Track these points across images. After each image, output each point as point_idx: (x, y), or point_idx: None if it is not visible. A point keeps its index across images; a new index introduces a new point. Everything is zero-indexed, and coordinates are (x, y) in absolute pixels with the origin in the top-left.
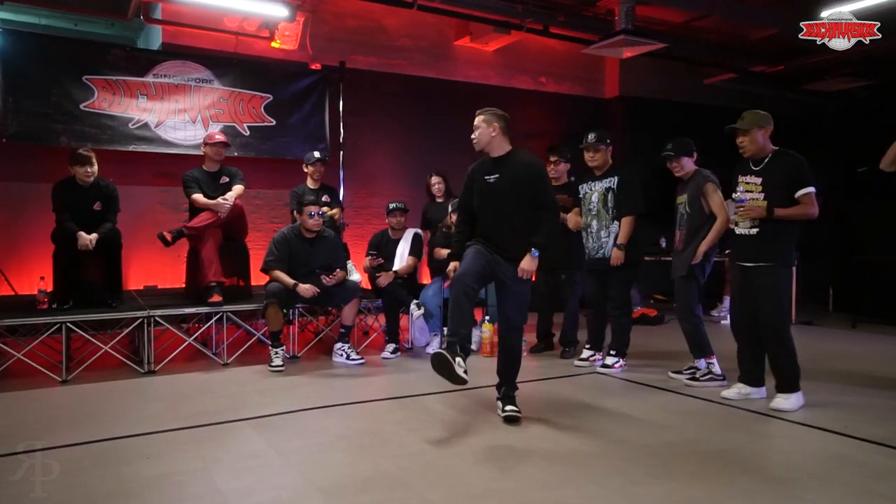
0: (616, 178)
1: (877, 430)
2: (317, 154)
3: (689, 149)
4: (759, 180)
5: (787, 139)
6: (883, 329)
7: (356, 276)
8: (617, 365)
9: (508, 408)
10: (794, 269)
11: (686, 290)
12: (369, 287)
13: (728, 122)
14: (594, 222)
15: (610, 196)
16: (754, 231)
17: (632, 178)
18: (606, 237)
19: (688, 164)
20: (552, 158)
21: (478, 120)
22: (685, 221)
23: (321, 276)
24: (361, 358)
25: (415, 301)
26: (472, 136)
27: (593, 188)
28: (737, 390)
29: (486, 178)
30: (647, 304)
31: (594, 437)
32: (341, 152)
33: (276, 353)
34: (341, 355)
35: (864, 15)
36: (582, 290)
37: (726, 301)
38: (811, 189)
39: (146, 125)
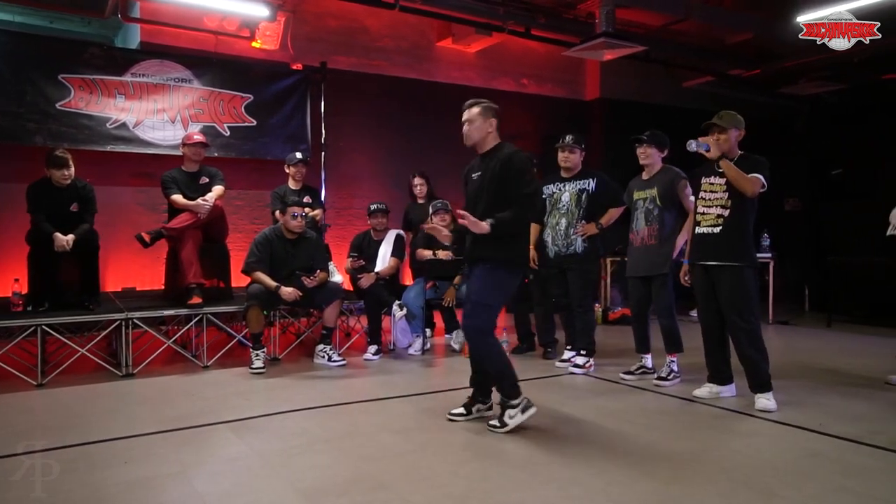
0: (592, 179)
1: (850, 428)
2: (298, 155)
3: (663, 142)
4: (723, 181)
5: (763, 141)
6: (856, 328)
7: (338, 277)
8: (588, 364)
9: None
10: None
11: (667, 287)
12: (351, 288)
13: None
14: (563, 220)
15: (584, 197)
16: (717, 230)
17: (609, 178)
18: (575, 235)
19: (656, 157)
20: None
21: (472, 112)
22: (656, 217)
23: (303, 277)
24: (343, 359)
25: (397, 302)
26: (464, 130)
27: (563, 189)
28: (707, 389)
29: (473, 176)
30: (627, 304)
31: (574, 437)
32: (323, 153)
33: (257, 355)
34: (323, 357)
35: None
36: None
37: None
38: (759, 176)
39: (124, 125)
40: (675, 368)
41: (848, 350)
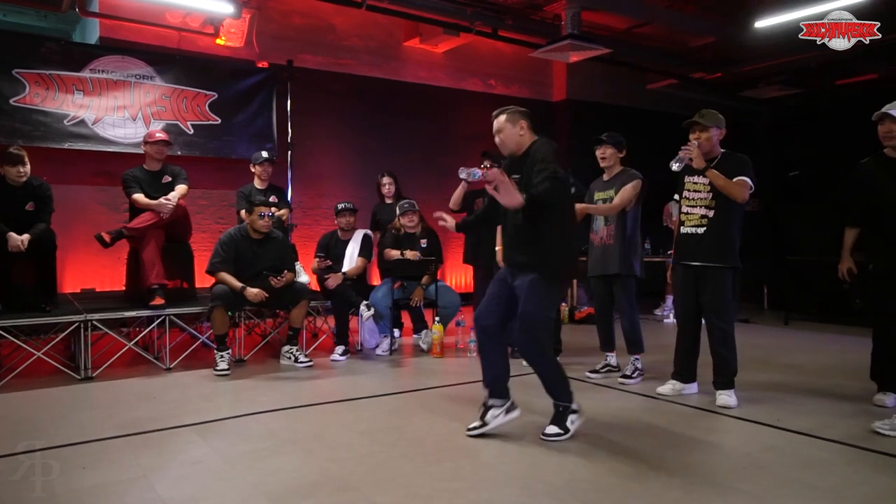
0: None
1: (805, 422)
2: (264, 154)
3: (620, 142)
4: (706, 180)
5: (725, 143)
6: (812, 325)
7: (304, 277)
8: None
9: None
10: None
11: (628, 288)
12: (318, 289)
13: (670, 126)
14: None
15: None
16: (701, 230)
17: (574, 178)
18: None
19: (615, 157)
20: (485, 163)
21: (500, 121)
22: (614, 217)
23: (269, 277)
24: (310, 360)
25: (364, 302)
26: (497, 141)
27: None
28: (671, 387)
29: (512, 177)
30: (593, 303)
31: (537, 432)
32: (289, 152)
33: (222, 356)
34: (289, 358)
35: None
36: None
37: (668, 300)
38: (746, 178)
39: (82, 122)
40: (640, 366)
41: (804, 347)
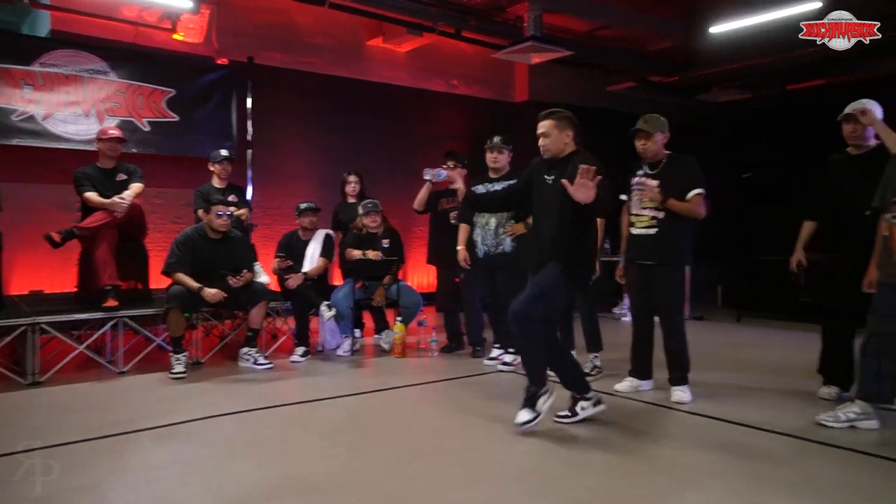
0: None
1: (757, 416)
2: (224, 152)
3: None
4: (654, 183)
5: (681, 145)
6: (764, 322)
7: (264, 278)
8: (516, 362)
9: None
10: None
11: (591, 290)
12: (278, 289)
13: (630, 127)
14: (492, 220)
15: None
16: (653, 231)
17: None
18: (504, 235)
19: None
20: (449, 164)
21: (547, 125)
22: None
23: (228, 277)
24: (269, 362)
25: (325, 303)
26: (541, 143)
27: (492, 189)
28: (629, 383)
29: (547, 178)
30: None
31: (503, 434)
32: (249, 151)
33: (178, 359)
34: (248, 360)
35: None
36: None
37: (626, 299)
38: (701, 191)
39: (32, 118)
40: (598, 364)
41: (755, 343)
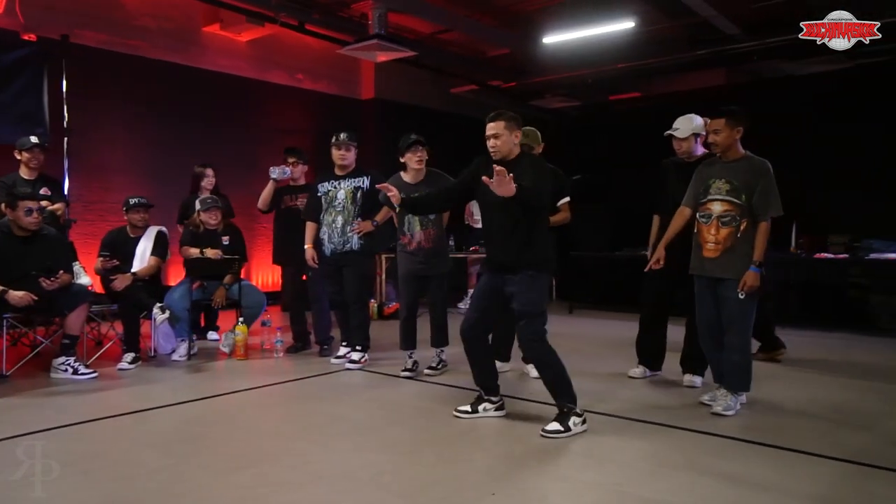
0: (367, 177)
1: (582, 399)
2: (34, 139)
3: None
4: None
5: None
6: (592, 312)
7: (85, 279)
8: (363, 360)
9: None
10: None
11: (444, 287)
12: (102, 291)
13: (471, 129)
14: (339, 218)
15: (360, 195)
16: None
17: (384, 176)
18: (351, 233)
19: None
20: (290, 160)
21: (497, 127)
22: (433, 221)
23: (41, 279)
24: (93, 371)
25: (158, 304)
26: (491, 145)
27: (339, 186)
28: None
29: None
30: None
31: (347, 432)
32: (66, 139)
33: None
34: (66, 370)
35: (573, 45)
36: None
37: (470, 293)
38: (566, 198)
39: None
40: (444, 358)
41: (585, 332)
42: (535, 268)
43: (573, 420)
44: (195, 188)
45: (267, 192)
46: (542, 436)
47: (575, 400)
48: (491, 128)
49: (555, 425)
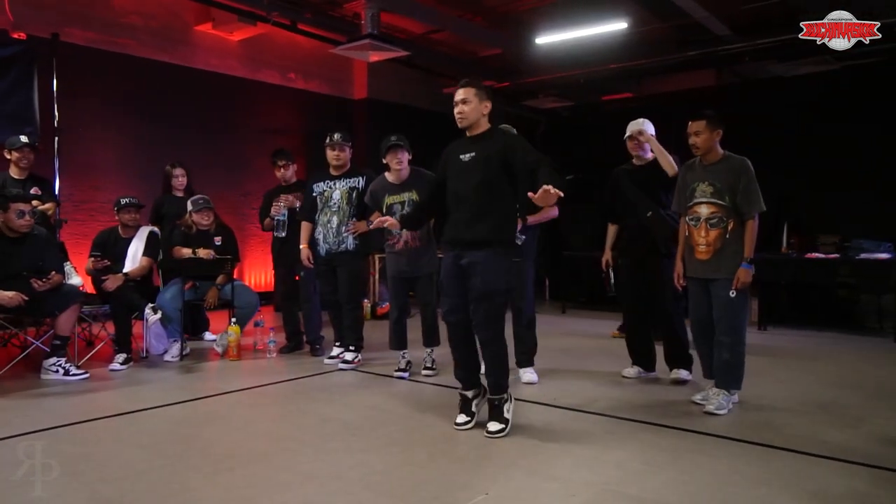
0: (362, 178)
1: (574, 399)
2: (24, 138)
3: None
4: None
5: None
6: (584, 312)
7: (76, 279)
8: (356, 360)
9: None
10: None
11: (433, 286)
12: (94, 291)
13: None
14: (334, 218)
15: (355, 195)
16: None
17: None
18: (346, 233)
19: (407, 160)
20: (280, 162)
21: (467, 93)
22: None
23: (32, 279)
24: (84, 372)
25: (150, 305)
26: (458, 111)
27: (334, 187)
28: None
29: (463, 157)
30: None
31: (339, 433)
32: (56, 138)
33: None
34: (56, 371)
35: (566, 46)
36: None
37: None
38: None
39: None
40: (434, 357)
41: (577, 331)
42: (497, 245)
43: (506, 408)
44: (167, 188)
45: (267, 224)
46: (487, 437)
47: (505, 388)
48: (460, 93)
49: (495, 425)
